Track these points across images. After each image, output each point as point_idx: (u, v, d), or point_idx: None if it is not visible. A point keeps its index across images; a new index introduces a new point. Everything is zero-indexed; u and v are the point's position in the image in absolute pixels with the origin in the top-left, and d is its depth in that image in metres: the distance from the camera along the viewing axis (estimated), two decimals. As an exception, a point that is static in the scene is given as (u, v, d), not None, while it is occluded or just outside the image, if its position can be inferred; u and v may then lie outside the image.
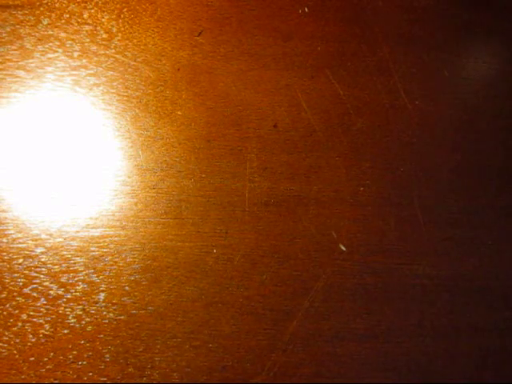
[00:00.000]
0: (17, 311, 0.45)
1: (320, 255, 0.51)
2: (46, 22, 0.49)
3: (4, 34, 0.48)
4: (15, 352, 0.45)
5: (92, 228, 0.47)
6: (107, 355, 0.46)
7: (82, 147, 0.48)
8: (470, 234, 0.55)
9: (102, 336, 0.46)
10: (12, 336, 0.45)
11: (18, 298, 0.45)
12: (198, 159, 0.50)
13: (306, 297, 0.50)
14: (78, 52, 0.49)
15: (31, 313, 0.45)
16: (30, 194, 0.47)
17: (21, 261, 0.46)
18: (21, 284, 0.45)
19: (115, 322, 0.46)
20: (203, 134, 0.51)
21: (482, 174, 0.56)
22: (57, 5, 0.50)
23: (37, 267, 0.46)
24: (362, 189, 0.53)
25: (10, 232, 0.46)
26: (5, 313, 0.45)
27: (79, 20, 0.50)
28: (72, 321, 0.46)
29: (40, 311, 0.45)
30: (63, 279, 0.46)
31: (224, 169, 0.51)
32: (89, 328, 0.46)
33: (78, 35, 0.50)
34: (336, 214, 0.52)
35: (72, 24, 0.50)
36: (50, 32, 0.49)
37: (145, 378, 0.46)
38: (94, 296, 0.46)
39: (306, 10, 0.55)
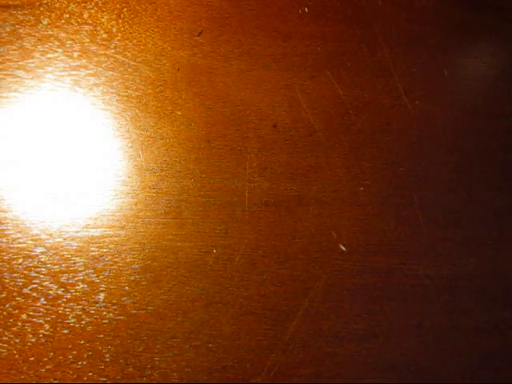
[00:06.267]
0: (17, 311, 0.45)
1: (320, 255, 0.51)
2: (45, 21, 0.49)
3: (4, 34, 0.48)
4: (15, 352, 0.45)
5: (92, 228, 0.47)
6: (107, 355, 0.46)
7: (82, 147, 0.48)
8: (470, 234, 0.55)
9: (101, 336, 0.46)
10: (12, 336, 0.45)
11: (17, 298, 0.45)
12: (198, 159, 0.50)
13: (306, 297, 0.50)
14: (78, 52, 0.49)
15: (31, 313, 0.45)
16: (29, 194, 0.47)
17: (20, 261, 0.46)
18: (20, 284, 0.45)
19: (115, 322, 0.46)
20: (203, 134, 0.51)
21: (481, 174, 0.56)
22: (57, 5, 0.50)
23: (36, 267, 0.46)
24: (362, 189, 0.53)
25: (9, 232, 0.46)
26: (5, 313, 0.45)
27: (79, 20, 0.50)
28: (72, 321, 0.46)
29: (40, 311, 0.45)
30: (63, 279, 0.46)
31: (224, 169, 0.51)
32: (89, 328, 0.46)
33: (78, 35, 0.50)
34: (336, 214, 0.52)
35: (72, 24, 0.50)
36: (50, 32, 0.49)
37: (145, 378, 0.46)
38: (93, 296, 0.46)
39: (306, 10, 0.55)
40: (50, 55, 0.49)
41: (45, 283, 0.46)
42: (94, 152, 0.49)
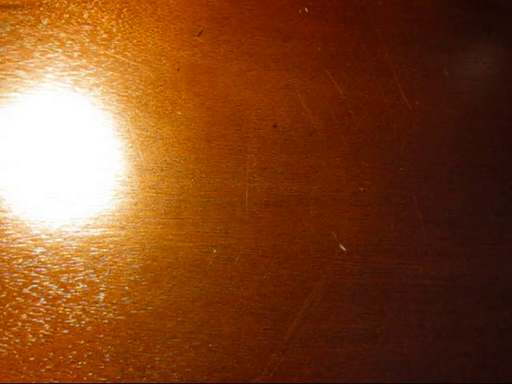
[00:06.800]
0: (17, 311, 0.45)
1: (320, 255, 0.51)
2: (45, 21, 0.49)
3: (4, 34, 0.48)
4: (15, 352, 0.45)
5: (92, 228, 0.47)
6: (107, 355, 0.46)
7: (82, 147, 0.48)
8: (470, 234, 0.55)
9: (101, 336, 0.46)
10: (12, 336, 0.45)
11: (17, 298, 0.45)
12: (198, 159, 0.50)
13: (306, 297, 0.50)
14: (78, 52, 0.49)
15: (31, 313, 0.45)
16: (29, 194, 0.47)
17: (20, 261, 0.46)
18: (20, 284, 0.45)
19: (115, 322, 0.46)
20: (203, 134, 0.51)
21: (481, 174, 0.56)
22: (57, 5, 0.50)
23: (36, 267, 0.46)
24: (362, 189, 0.53)
25: (9, 232, 0.46)
26: (5, 313, 0.45)
27: (79, 20, 0.50)
28: (72, 321, 0.46)
29: (40, 311, 0.45)
30: (63, 279, 0.46)
31: (224, 169, 0.51)
32: (89, 328, 0.46)
33: (78, 35, 0.50)
34: (336, 214, 0.52)
35: (72, 24, 0.50)
36: (50, 32, 0.49)
37: (145, 378, 0.46)
38: (93, 296, 0.46)
39: (306, 10, 0.55)
40: (50, 55, 0.49)
41: (45, 283, 0.46)
42: (94, 152, 0.49)
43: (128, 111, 0.50)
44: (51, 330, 0.45)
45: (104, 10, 0.51)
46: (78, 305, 0.46)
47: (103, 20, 0.50)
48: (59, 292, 0.46)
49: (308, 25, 0.55)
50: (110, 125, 0.49)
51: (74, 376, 0.45)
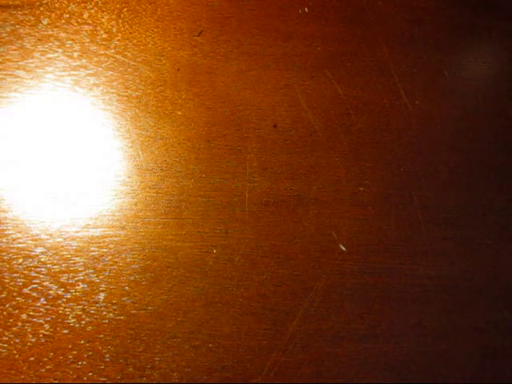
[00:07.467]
0: (17, 311, 0.45)
1: (320, 255, 0.51)
2: (45, 21, 0.49)
3: (4, 34, 0.48)
4: (15, 352, 0.45)
5: (92, 228, 0.47)
6: (107, 355, 0.46)
7: (82, 147, 0.48)
8: (470, 234, 0.55)
9: (101, 336, 0.46)
10: (12, 336, 0.45)
11: (17, 298, 0.45)
12: (198, 159, 0.50)
13: (306, 297, 0.50)
14: (78, 52, 0.49)
15: (31, 313, 0.45)
16: (29, 194, 0.47)
17: (20, 261, 0.46)
18: (20, 284, 0.45)
19: (115, 322, 0.46)
20: (203, 134, 0.51)
21: (481, 174, 0.56)
22: (57, 5, 0.50)
23: (36, 267, 0.46)
24: (362, 189, 0.53)
25: (9, 232, 0.46)
26: (5, 313, 0.45)
27: (79, 20, 0.50)
28: (72, 321, 0.46)
29: (40, 311, 0.45)
30: (63, 279, 0.46)
31: (224, 169, 0.51)
32: (89, 328, 0.46)
33: (78, 35, 0.50)
34: (336, 214, 0.52)
35: (72, 24, 0.50)
36: (50, 32, 0.49)
37: (145, 378, 0.46)
38: (93, 296, 0.46)
39: (306, 10, 0.55)
40: (50, 55, 0.49)
41: (45, 283, 0.46)
42: (94, 152, 0.49)
43: (128, 111, 0.50)
44: (51, 329, 0.45)
45: (104, 10, 0.51)
46: (78, 305, 0.46)
47: (103, 20, 0.50)
48: (59, 292, 0.46)
49: (308, 25, 0.55)
50: (110, 125, 0.49)
51: (74, 376, 0.45)
